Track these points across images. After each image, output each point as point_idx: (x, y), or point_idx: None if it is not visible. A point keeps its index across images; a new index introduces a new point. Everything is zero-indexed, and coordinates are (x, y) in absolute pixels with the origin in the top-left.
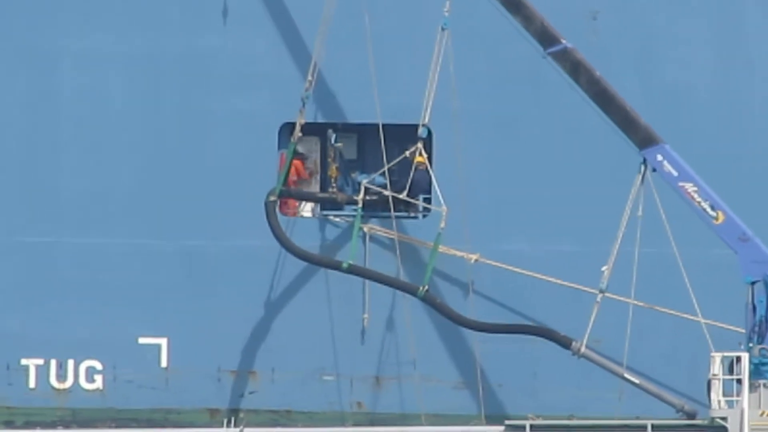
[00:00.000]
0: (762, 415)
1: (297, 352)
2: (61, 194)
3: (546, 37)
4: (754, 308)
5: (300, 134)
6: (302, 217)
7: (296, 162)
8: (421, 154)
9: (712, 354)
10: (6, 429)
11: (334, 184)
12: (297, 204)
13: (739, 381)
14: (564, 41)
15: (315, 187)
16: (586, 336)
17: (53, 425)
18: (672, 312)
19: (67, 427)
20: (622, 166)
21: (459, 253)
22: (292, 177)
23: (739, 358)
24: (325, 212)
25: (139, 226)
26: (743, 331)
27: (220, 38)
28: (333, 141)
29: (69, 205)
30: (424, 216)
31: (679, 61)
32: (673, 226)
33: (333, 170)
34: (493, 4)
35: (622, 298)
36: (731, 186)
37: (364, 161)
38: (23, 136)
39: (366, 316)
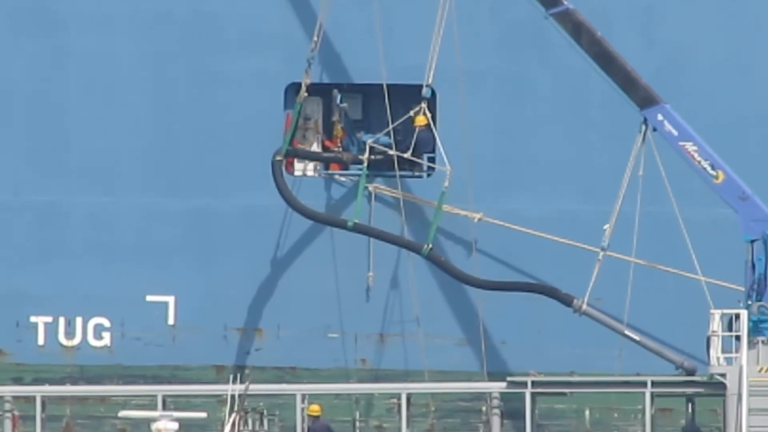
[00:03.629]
0: (760, 371)
1: (302, 310)
2: (69, 153)
3: None
4: (753, 266)
5: (306, 94)
6: (307, 176)
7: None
8: (424, 114)
9: (712, 311)
10: (15, 385)
11: (339, 144)
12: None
13: (737, 338)
14: (566, 2)
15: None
16: (588, 294)
17: (61, 381)
18: (672, 270)
19: (75, 383)
20: (623, 125)
21: (463, 212)
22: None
23: (738, 316)
24: (329, 172)
25: (147, 185)
26: (742, 288)
27: (227, 0)
28: (338, 101)
29: (77, 164)
30: (428, 175)
31: (682, 21)
32: (673, 186)
33: (338, 130)
34: None
35: (622, 257)
36: (733, 146)
37: (369, 121)
38: (31, 97)
39: (371, 274)
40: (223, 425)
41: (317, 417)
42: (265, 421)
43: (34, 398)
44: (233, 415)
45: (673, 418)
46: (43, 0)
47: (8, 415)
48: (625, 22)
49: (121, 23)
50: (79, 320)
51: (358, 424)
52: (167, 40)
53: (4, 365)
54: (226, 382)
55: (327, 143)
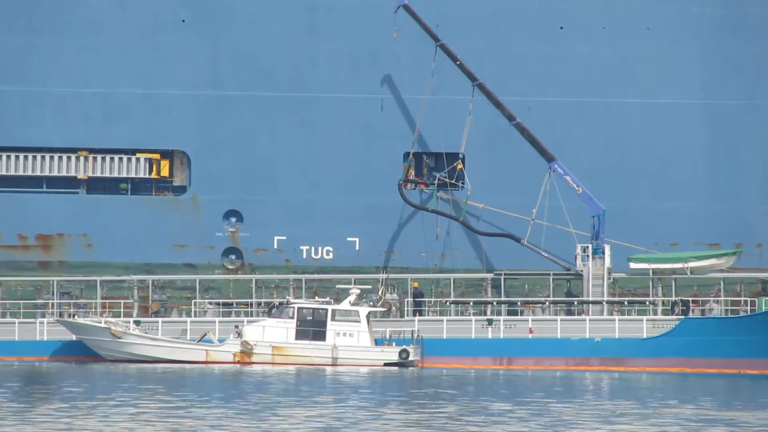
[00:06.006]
0: None
1: None
2: None
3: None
4: (597, 233)
5: (411, 157)
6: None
7: None
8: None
9: None
10: None
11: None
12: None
13: None
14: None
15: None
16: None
17: None
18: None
19: None
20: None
21: (475, 203)
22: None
23: None
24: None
25: None
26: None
27: None
28: (425, 159)
29: None
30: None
31: None
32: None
33: (424, 171)
34: None
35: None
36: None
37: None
38: None
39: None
40: None
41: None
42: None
43: None
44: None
45: None
46: None
47: None
48: None
49: None
50: None
51: None
52: None
53: None
54: None
55: (417, 177)
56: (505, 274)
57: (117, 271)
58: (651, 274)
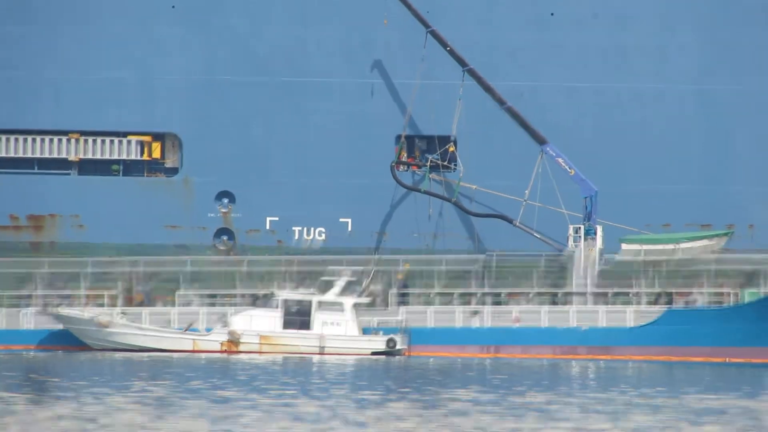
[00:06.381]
0: None
1: None
2: None
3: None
4: (589, 214)
5: (404, 141)
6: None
7: None
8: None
9: None
10: None
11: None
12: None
13: None
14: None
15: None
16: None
17: None
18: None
19: None
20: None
21: (467, 185)
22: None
23: None
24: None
25: None
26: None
27: None
28: (416, 143)
29: None
30: (454, 170)
31: None
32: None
33: (417, 153)
34: None
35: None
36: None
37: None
38: None
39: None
40: None
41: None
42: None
43: None
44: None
45: None
46: None
47: None
48: None
49: None
50: None
51: None
52: None
53: None
54: None
55: (410, 159)
56: (497, 255)
57: (108, 251)
58: (642, 259)
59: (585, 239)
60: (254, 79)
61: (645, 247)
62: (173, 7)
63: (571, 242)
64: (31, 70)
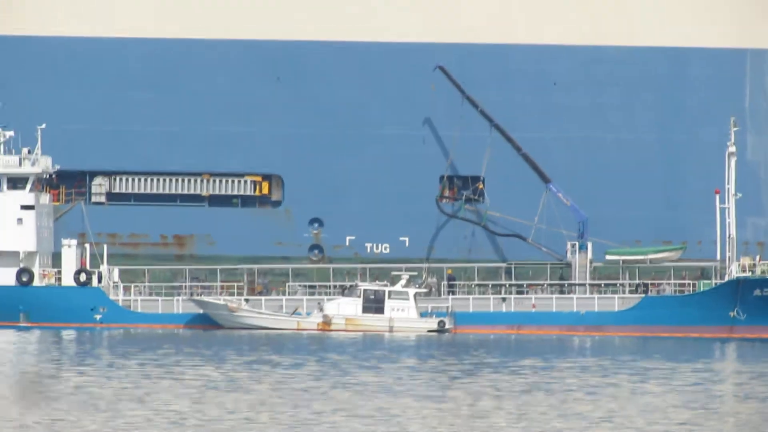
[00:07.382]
0: None
1: None
2: None
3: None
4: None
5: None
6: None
7: None
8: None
9: None
10: None
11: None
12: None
13: None
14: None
15: None
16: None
17: None
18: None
19: None
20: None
21: (491, 212)
22: None
23: None
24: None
25: None
26: None
27: None
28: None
29: None
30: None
31: None
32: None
33: (454, 189)
34: None
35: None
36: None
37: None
38: None
39: None
40: None
41: None
42: None
43: None
44: None
45: None
46: None
47: None
48: None
49: None
50: None
51: None
52: None
53: None
54: None
55: (450, 193)
56: (515, 264)
57: (232, 261)
58: (621, 263)
59: (579, 252)
60: (336, 132)
61: (623, 257)
62: (278, 78)
63: (569, 254)
64: (183, 125)
